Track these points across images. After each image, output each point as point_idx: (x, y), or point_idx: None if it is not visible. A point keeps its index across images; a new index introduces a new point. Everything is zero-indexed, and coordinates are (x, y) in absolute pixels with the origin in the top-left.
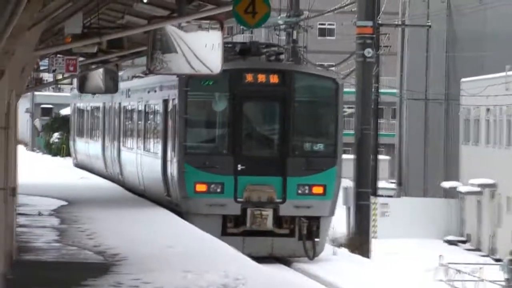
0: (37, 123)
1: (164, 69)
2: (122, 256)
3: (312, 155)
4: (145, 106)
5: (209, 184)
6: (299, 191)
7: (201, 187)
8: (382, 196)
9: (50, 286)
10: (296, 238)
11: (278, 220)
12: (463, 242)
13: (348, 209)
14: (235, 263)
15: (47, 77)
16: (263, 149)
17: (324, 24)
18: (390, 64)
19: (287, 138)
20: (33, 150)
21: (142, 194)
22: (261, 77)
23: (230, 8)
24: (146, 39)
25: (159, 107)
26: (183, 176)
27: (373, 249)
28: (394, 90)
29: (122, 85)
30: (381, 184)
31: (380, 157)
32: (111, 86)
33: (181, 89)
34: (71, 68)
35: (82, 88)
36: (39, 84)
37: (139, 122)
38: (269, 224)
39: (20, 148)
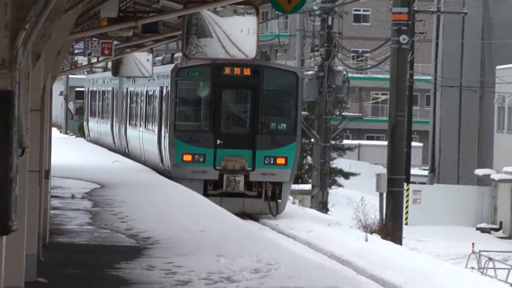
0: (71, 106)
1: (199, 53)
2: (155, 239)
3: (276, 132)
4: (146, 91)
5: (193, 155)
6: (266, 162)
7: (187, 157)
8: (414, 183)
9: (82, 268)
10: (262, 199)
11: (249, 185)
12: (496, 229)
13: (381, 195)
14: (268, 248)
15: (82, 60)
16: (237, 127)
17: (359, 10)
18: (425, 51)
19: (256, 119)
20: (66, 133)
21: (143, 163)
22: (237, 70)
23: None
24: (181, 24)
25: (157, 93)
26: (173, 148)
27: (405, 236)
28: (429, 77)
29: None
30: (414, 171)
31: (414, 144)
32: (145, 70)
33: (173, 79)
34: (107, 52)
35: (116, 72)
36: (74, 67)
37: (142, 104)
38: (241, 187)
39: (54, 131)
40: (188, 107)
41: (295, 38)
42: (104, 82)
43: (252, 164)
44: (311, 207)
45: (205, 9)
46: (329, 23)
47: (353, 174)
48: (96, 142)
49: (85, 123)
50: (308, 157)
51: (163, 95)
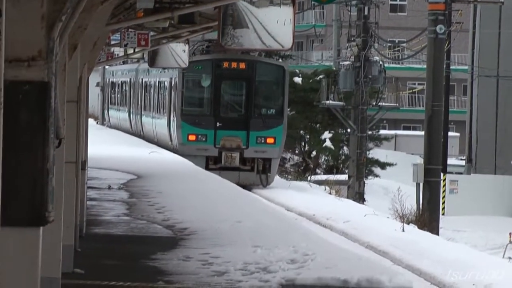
0: None
1: (235, 44)
2: (191, 230)
3: (266, 117)
4: (158, 82)
5: (197, 135)
6: (258, 141)
7: (192, 137)
8: (451, 173)
9: (119, 259)
10: (255, 172)
11: (243, 160)
12: None
13: (418, 185)
14: (305, 238)
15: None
16: (234, 112)
17: (396, 0)
18: (462, 40)
19: (250, 105)
20: (103, 124)
21: (155, 143)
22: (234, 64)
23: None
24: (217, 14)
25: (167, 84)
26: (180, 130)
27: (442, 226)
28: (465, 67)
29: (145, 65)
30: (451, 161)
31: (450, 134)
32: (182, 61)
33: (180, 71)
34: (143, 43)
35: (152, 62)
36: (110, 58)
37: (154, 93)
38: (237, 162)
39: (91, 122)
40: (192, 95)
41: (331, 28)
42: (123, 74)
43: (246, 143)
44: (348, 197)
45: None
46: (366, 13)
47: (390, 164)
48: (115, 127)
49: (105, 111)
50: (345, 147)
51: (172, 85)
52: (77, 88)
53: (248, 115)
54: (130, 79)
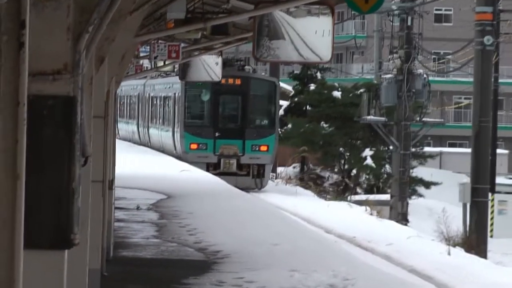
0: None
1: (271, 56)
2: (225, 253)
3: (260, 127)
4: (164, 97)
5: (198, 144)
6: (252, 149)
7: (194, 146)
8: (500, 192)
9: (148, 284)
10: (250, 177)
11: (240, 166)
12: None
13: (464, 206)
14: (345, 262)
15: (148, 64)
16: (231, 123)
17: (441, 10)
18: (511, 52)
19: (245, 117)
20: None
21: (161, 152)
22: (231, 80)
23: None
24: (252, 25)
25: (172, 98)
26: (183, 139)
27: (490, 249)
28: None
29: (151, 81)
30: (500, 180)
31: (499, 151)
32: (214, 74)
33: (183, 87)
34: (174, 55)
35: (184, 76)
36: (139, 71)
37: (160, 106)
38: (234, 168)
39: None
40: (194, 108)
41: (373, 39)
42: (131, 89)
43: (242, 151)
44: (390, 218)
45: (277, 9)
46: (409, 23)
47: (435, 184)
48: (124, 139)
49: (115, 124)
50: (387, 166)
51: (176, 99)
52: (104, 103)
53: (244, 125)
54: (138, 94)
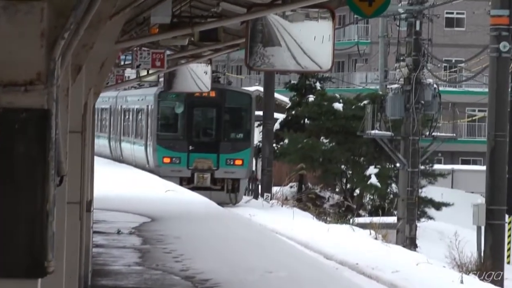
0: None
1: (265, 64)
2: (214, 282)
3: (235, 141)
4: (136, 109)
5: (171, 157)
6: (227, 163)
7: (167, 160)
8: None
9: None
10: (225, 191)
11: (214, 180)
12: None
13: (479, 229)
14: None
15: (129, 73)
16: (205, 136)
17: (453, 13)
18: None
19: (220, 130)
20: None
21: (134, 166)
22: (205, 93)
23: None
24: (245, 30)
25: (144, 110)
26: (156, 153)
27: (508, 277)
28: None
29: (124, 93)
30: None
31: None
32: (203, 84)
33: (156, 99)
34: (158, 63)
35: (169, 86)
36: (120, 81)
37: (132, 119)
38: (208, 182)
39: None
40: (167, 121)
41: (377, 46)
42: (102, 101)
43: (216, 165)
44: (397, 243)
45: (272, 13)
46: (417, 28)
47: (446, 205)
48: (95, 153)
49: None
50: (393, 185)
51: (149, 112)
52: (81, 116)
53: (218, 139)
54: (110, 106)
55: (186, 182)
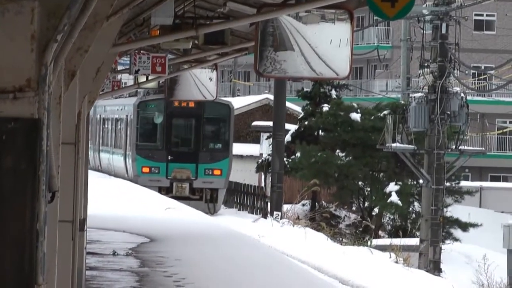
0: None
1: (277, 71)
2: None
3: (213, 151)
4: (115, 119)
5: (150, 167)
6: (206, 173)
7: (146, 169)
8: None
9: None
10: (203, 201)
11: (193, 190)
12: None
13: (509, 252)
14: None
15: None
16: (184, 146)
17: (482, 15)
18: None
19: (198, 140)
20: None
21: (113, 175)
22: (184, 103)
23: None
24: (254, 33)
25: (123, 120)
26: (135, 162)
27: None
28: None
29: (103, 103)
30: None
31: None
32: (208, 92)
33: (135, 109)
34: (159, 69)
35: (171, 94)
36: (117, 88)
37: (111, 129)
38: (187, 192)
39: (92, 170)
40: (146, 131)
41: (399, 50)
42: None
43: (195, 175)
44: (419, 267)
45: (284, 14)
46: (443, 31)
47: (473, 225)
48: None
49: None
50: (416, 203)
51: (128, 121)
52: (75, 127)
53: (197, 149)
54: (89, 114)
55: (165, 191)
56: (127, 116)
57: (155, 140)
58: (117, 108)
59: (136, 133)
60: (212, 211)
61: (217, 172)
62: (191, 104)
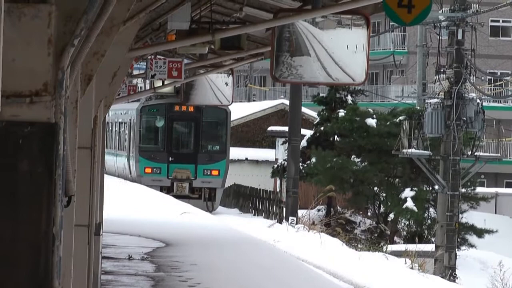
0: None
1: (293, 76)
2: None
3: (212, 152)
4: (119, 122)
5: (153, 168)
6: (204, 173)
7: (148, 170)
8: None
9: None
10: (202, 200)
11: (192, 189)
12: None
13: None
14: None
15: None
16: (184, 148)
17: (498, 21)
18: None
19: (198, 142)
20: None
21: (117, 176)
22: (184, 108)
23: None
24: (270, 38)
25: (127, 123)
26: (138, 163)
27: None
28: None
29: None
30: None
31: None
32: (224, 97)
33: (138, 113)
34: (175, 73)
35: (187, 98)
36: (133, 92)
37: (115, 132)
38: (186, 191)
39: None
40: (148, 134)
41: (415, 56)
42: None
43: (194, 175)
44: (435, 273)
45: (301, 19)
46: (459, 37)
47: (489, 232)
48: None
49: None
50: (431, 209)
51: (131, 125)
52: (91, 131)
53: (196, 150)
54: None
55: (166, 191)
56: (130, 120)
57: (157, 143)
58: (121, 112)
59: (139, 136)
60: (210, 209)
61: (215, 172)
62: (191, 109)
